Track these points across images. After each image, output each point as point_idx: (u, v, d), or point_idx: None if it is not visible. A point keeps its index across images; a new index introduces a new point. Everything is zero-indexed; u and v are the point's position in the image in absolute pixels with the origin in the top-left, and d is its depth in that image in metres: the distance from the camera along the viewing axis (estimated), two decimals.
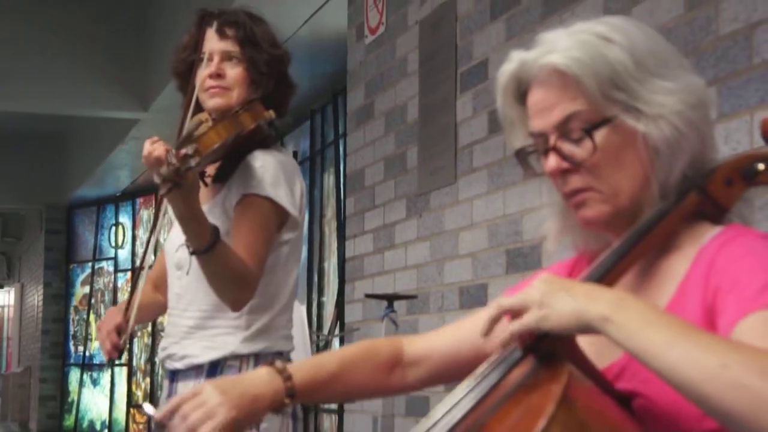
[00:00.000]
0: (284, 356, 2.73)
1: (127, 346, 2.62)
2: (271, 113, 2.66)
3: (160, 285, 2.96)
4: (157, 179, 2.30)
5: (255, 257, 2.56)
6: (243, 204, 2.63)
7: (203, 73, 2.72)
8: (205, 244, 2.44)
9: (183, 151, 2.29)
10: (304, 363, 1.68)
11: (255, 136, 2.67)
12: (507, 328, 1.37)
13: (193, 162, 2.28)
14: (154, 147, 2.38)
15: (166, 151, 2.33)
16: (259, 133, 2.68)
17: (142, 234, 14.06)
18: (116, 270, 14.75)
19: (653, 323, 1.26)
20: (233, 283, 2.52)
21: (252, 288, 2.56)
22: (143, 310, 2.90)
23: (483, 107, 4.15)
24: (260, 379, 1.60)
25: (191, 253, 2.51)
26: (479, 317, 1.54)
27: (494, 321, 1.39)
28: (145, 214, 13.83)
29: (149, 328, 13.73)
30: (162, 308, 3.02)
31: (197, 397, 1.57)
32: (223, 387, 1.57)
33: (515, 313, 1.35)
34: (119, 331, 2.70)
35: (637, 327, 1.25)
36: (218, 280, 2.52)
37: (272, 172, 2.65)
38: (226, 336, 2.66)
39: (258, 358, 2.64)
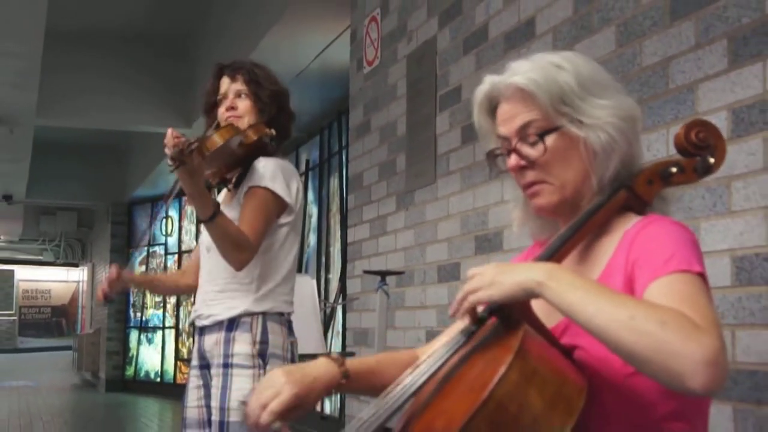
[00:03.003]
0: (285, 317, 2.83)
1: (118, 297, 2.81)
2: (272, 131, 2.85)
3: (188, 272, 3.12)
4: (168, 160, 2.43)
5: (253, 230, 2.67)
6: (248, 194, 2.76)
7: (222, 109, 2.89)
8: (209, 215, 2.54)
9: (189, 140, 2.44)
10: (351, 358, 1.67)
11: (259, 147, 2.82)
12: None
13: (194, 146, 2.43)
14: (170, 133, 2.48)
15: (176, 136, 2.46)
16: (262, 144, 2.82)
17: (187, 224, 14.09)
18: (166, 253, 14.81)
19: (577, 287, 1.28)
20: (233, 246, 2.62)
21: (249, 251, 2.66)
22: (158, 283, 3.29)
23: (457, 123, 4.14)
24: (319, 364, 1.58)
25: (199, 221, 2.64)
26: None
27: (462, 300, 1.40)
28: (189, 209, 13.83)
29: (192, 299, 13.72)
30: (180, 289, 3.28)
31: (267, 380, 1.54)
32: (289, 370, 1.55)
33: (473, 290, 1.37)
34: (112, 283, 2.86)
35: (564, 290, 1.28)
36: (222, 244, 2.62)
37: (272, 170, 2.78)
38: (240, 299, 2.75)
39: (265, 316, 2.76)
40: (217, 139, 2.62)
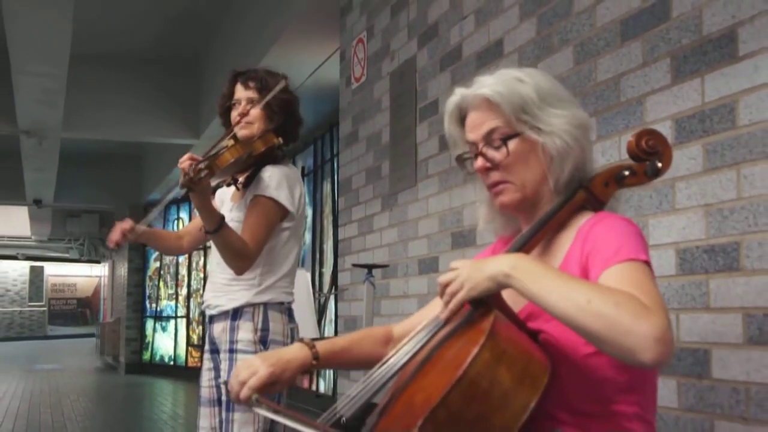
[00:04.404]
0: (285, 305, 2.79)
1: (126, 242, 2.77)
2: (279, 140, 2.78)
3: (184, 236, 3.05)
4: (180, 184, 2.42)
5: (254, 239, 2.62)
6: (253, 202, 2.69)
7: (234, 113, 2.82)
8: (214, 228, 2.52)
9: (200, 167, 2.39)
10: (323, 341, 1.69)
11: (267, 156, 2.75)
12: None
13: (203, 174, 2.39)
14: (184, 160, 2.44)
15: (190, 165, 2.40)
16: (270, 153, 2.76)
17: None
18: None
19: (540, 275, 1.29)
20: (234, 255, 2.59)
21: (249, 260, 2.63)
22: (160, 240, 3.06)
23: (435, 132, 4.13)
24: (293, 348, 1.62)
25: (205, 233, 2.60)
26: (435, 303, 1.55)
27: (441, 294, 1.41)
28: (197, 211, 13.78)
29: (201, 290, 13.70)
30: (174, 248, 3.11)
31: (246, 362, 1.58)
32: (265, 355, 1.60)
33: (453, 293, 1.37)
34: (125, 234, 2.80)
35: (529, 279, 1.29)
36: (225, 253, 2.61)
37: (277, 179, 2.71)
38: (244, 291, 2.72)
39: (266, 306, 2.73)
40: (228, 157, 2.55)
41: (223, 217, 2.54)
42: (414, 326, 1.71)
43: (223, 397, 2.68)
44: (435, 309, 1.59)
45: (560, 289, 1.25)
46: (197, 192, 2.43)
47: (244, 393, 1.51)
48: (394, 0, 4.72)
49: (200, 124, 9.49)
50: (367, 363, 1.72)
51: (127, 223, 2.82)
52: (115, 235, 2.80)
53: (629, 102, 2.70)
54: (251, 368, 1.54)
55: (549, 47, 3.18)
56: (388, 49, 4.78)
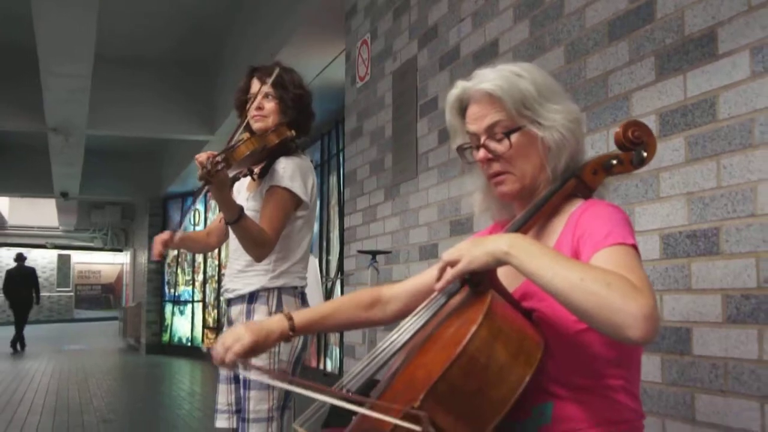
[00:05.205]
0: (299, 290, 2.75)
1: (168, 254, 2.76)
2: (292, 132, 2.71)
3: (212, 232, 3.02)
4: (198, 177, 2.37)
5: (272, 228, 2.59)
6: (269, 192, 2.66)
7: (250, 107, 2.75)
8: (234, 218, 2.48)
9: (217, 159, 2.35)
10: (306, 310, 1.71)
11: (281, 148, 2.70)
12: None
13: (220, 167, 2.35)
14: (201, 154, 2.41)
15: (207, 158, 2.37)
16: (284, 145, 2.70)
17: (211, 216, 14.04)
18: None
19: (536, 254, 1.27)
20: (254, 243, 2.56)
21: (268, 248, 2.60)
22: (194, 243, 3.05)
23: (435, 127, 4.12)
24: (273, 320, 1.63)
25: (226, 223, 2.56)
26: (431, 270, 1.54)
27: (442, 270, 1.39)
28: (213, 203, 13.78)
29: (216, 276, 13.74)
30: (206, 247, 3.09)
31: (232, 331, 1.59)
32: (249, 325, 1.60)
33: (452, 263, 1.35)
34: (166, 244, 2.77)
35: (526, 257, 1.27)
36: (243, 241, 2.57)
37: (291, 170, 2.67)
38: (259, 276, 2.69)
39: (280, 291, 2.70)
40: (243, 150, 2.52)
41: (242, 208, 2.51)
42: (406, 290, 1.72)
43: (241, 376, 2.67)
44: (430, 276, 1.58)
45: (555, 267, 1.24)
46: (216, 184, 2.39)
47: (229, 357, 1.53)
48: (396, 4, 4.70)
49: (215, 121, 9.48)
50: (346, 327, 1.75)
51: (165, 235, 2.81)
52: (156, 248, 2.80)
53: (616, 98, 2.69)
54: (236, 336, 1.55)
55: (541, 47, 3.16)
56: (390, 50, 4.76)
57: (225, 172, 2.41)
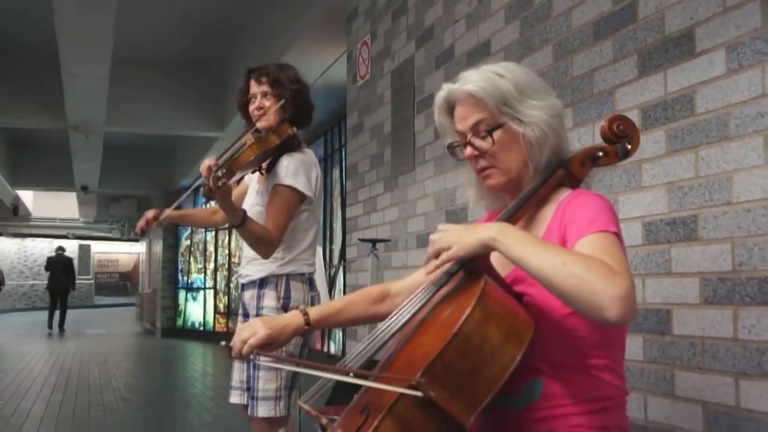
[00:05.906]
0: (306, 276, 2.74)
1: (151, 228, 2.76)
2: (293, 129, 2.69)
3: (218, 211, 3.00)
4: (201, 193, 2.34)
5: (276, 226, 2.57)
6: (274, 190, 2.63)
7: (251, 107, 2.74)
8: (237, 223, 2.46)
9: (218, 174, 2.31)
10: (320, 306, 1.69)
11: (284, 145, 2.67)
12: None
13: (221, 183, 2.31)
14: (203, 165, 2.35)
15: (209, 173, 2.32)
16: (286, 143, 2.68)
17: None
18: (205, 230, 14.75)
19: (522, 241, 1.27)
20: (259, 243, 2.55)
21: (272, 246, 2.57)
22: (189, 218, 3.13)
23: (431, 123, 4.11)
24: (290, 315, 1.62)
25: (230, 227, 2.56)
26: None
27: (431, 256, 1.38)
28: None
29: (227, 264, 13.74)
30: (208, 223, 3.10)
31: (249, 324, 1.57)
32: (265, 319, 1.59)
33: (443, 250, 1.35)
34: (148, 222, 2.79)
35: (512, 244, 1.27)
36: (249, 242, 2.56)
37: (294, 167, 2.64)
38: (269, 263, 2.68)
39: (288, 277, 2.69)
40: (244, 159, 2.49)
41: (245, 212, 2.49)
42: (411, 283, 1.71)
43: (251, 356, 2.66)
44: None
45: (539, 252, 1.24)
46: (217, 197, 2.37)
47: (245, 350, 1.52)
48: (395, 7, 4.69)
49: (225, 119, 9.47)
50: (358, 322, 1.73)
51: (151, 212, 2.83)
52: (140, 222, 2.83)
53: (601, 94, 2.68)
54: (252, 329, 1.54)
55: (531, 46, 3.16)
56: (389, 50, 4.75)
57: (227, 185, 2.37)
